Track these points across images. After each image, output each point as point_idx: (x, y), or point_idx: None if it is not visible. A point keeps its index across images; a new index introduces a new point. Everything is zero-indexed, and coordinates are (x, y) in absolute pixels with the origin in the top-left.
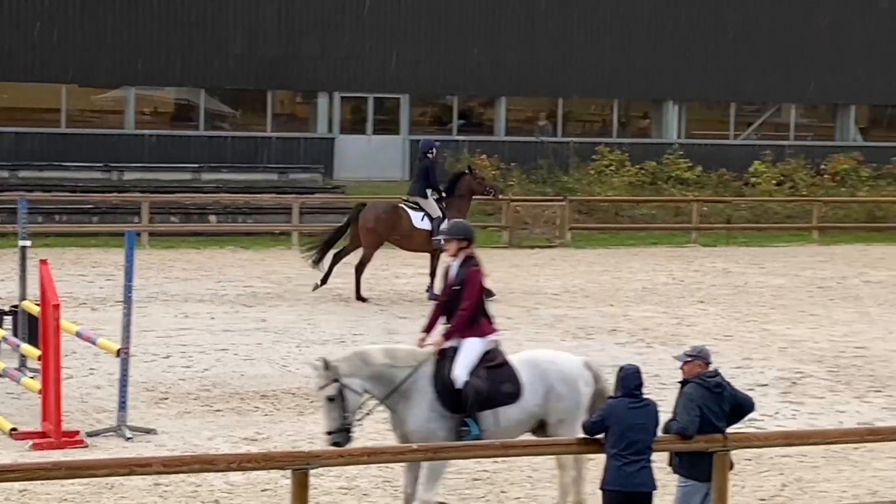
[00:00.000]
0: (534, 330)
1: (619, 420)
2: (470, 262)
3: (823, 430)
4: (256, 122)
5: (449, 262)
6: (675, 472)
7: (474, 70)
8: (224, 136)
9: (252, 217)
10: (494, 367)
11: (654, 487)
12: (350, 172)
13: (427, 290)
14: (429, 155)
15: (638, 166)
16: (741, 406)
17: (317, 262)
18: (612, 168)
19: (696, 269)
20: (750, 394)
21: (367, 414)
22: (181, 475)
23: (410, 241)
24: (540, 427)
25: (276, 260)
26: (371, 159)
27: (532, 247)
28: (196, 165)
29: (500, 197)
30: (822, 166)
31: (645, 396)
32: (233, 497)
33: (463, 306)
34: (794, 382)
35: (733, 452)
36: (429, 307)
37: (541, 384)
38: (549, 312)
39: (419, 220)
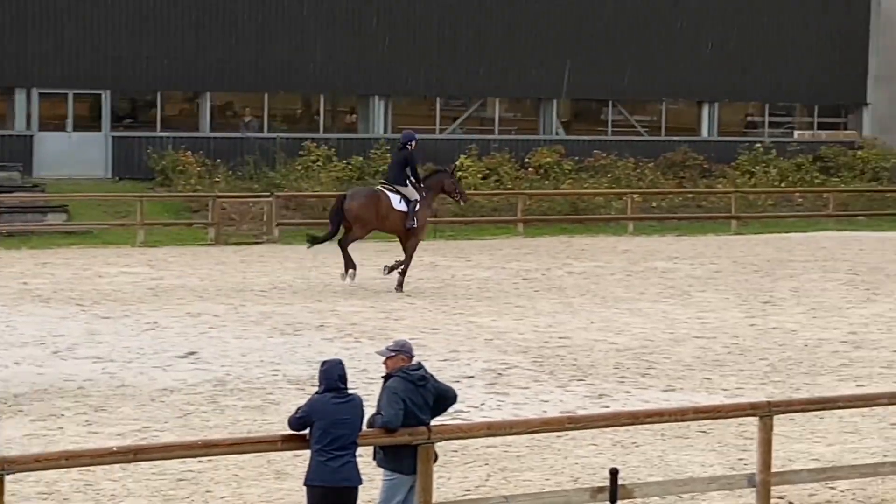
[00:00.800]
0: (241, 327)
1: (323, 415)
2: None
3: (526, 419)
4: None
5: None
6: (380, 465)
7: (179, 65)
8: None
9: None
10: None
11: (360, 482)
12: (50, 170)
13: (385, 268)
14: (408, 146)
15: (345, 161)
16: (444, 397)
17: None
18: (319, 163)
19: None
20: (456, 386)
21: None
22: None
23: (386, 221)
24: None
25: None
26: (72, 157)
27: (239, 243)
28: None
29: (462, 203)
30: (527, 160)
31: (350, 391)
32: None
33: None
34: (500, 373)
35: (438, 444)
36: None
37: None
38: (256, 309)
39: (397, 202)
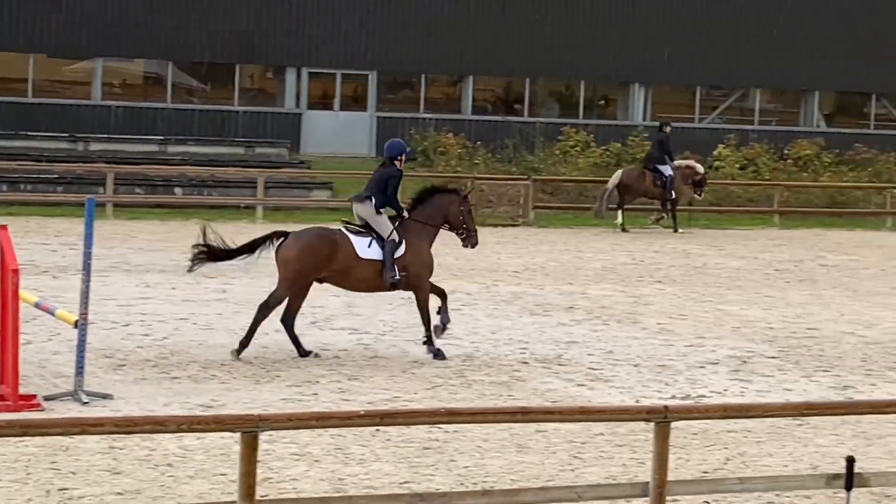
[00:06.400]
0: (492, 306)
1: None
2: None
3: (763, 403)
4: (224, 96)
5: None
6: None
7: (442, 50)
8: (191, 109)
9: (217, 190)
10: None
11: None
12: (317, 148)
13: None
14: (396, 161)
15: (603, 147)
16: None
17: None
18: (577, 149)
19: (656, 249)
20: (700, 371)
21: None
22: (136, 439)
23: (347, 277)
24: None
25: (240, 233)
26: (338, 135)
27: (496, 225)
28: (162, 138)
29: (468, 247)
30: (786, 151)
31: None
32: (186, 460)
33: None
34: (745, 361)
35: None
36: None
37: None
38: (507, 289)
39: (364, 248)
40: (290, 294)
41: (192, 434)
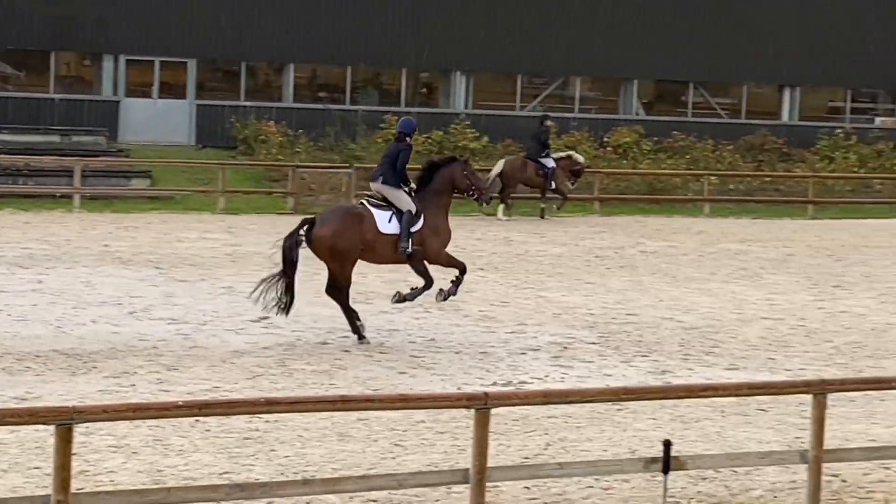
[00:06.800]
0: (315, 294)
1: None
2: None
3: (582, 389)
4: (40, 84)
5: None
6: None
7: (262, 37)
8: (4, 97)
9: (33, 179)
10: None
11: None
12: (135, 136)
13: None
14: (408, 138)
15: (425, 136)
16: None
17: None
18: None
19: (478, 237)
20: (522, 358)
21: None
22: None
23: (372, 251)
24: None
25: (55, 223)
26: (157, 123)
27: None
28: None
29: (482, 204)
30: (606, 139)
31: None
32: (0, 454)
33: None
34: (565, 347)
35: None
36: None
37: None
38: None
39: (385, 223)
40: (348, 273)
41: (5, 427)
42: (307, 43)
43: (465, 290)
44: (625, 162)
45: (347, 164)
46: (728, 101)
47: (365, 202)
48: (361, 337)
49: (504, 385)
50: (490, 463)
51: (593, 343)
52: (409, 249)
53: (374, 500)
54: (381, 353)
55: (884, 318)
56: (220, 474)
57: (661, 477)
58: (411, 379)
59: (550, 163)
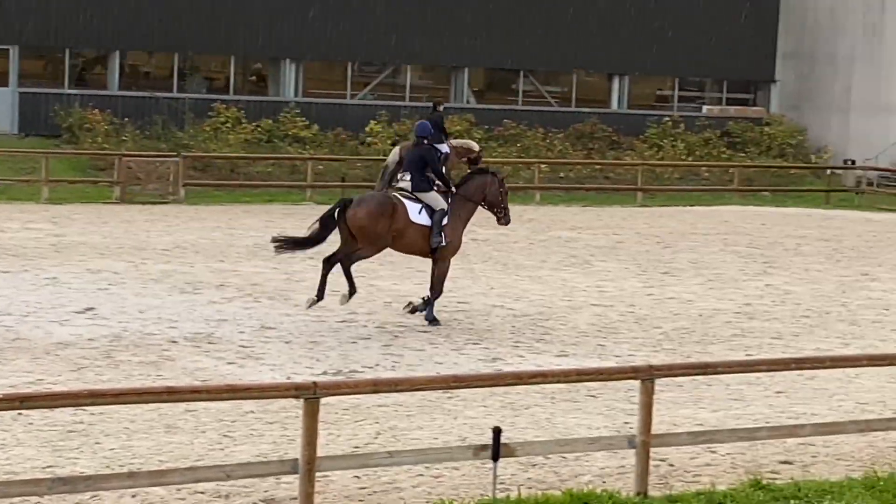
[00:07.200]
0: (140, 285)
1: None
2: None
3: (411, 377)
4: None
5: None
6: None
7: (87, 22)
8: None
9: None
10: None
11: None
12: None
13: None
14: (426, 140)
15: (255, 124)
16: None
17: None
18: (228, 125)
19: (309, 226)
20: (353, 347)
21: None
22: None
23: (401, 239)
24: None
25: None
26: None
27: (145, 202)
28: None
29: (502, 224)
30: None
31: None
32: None
33: None
34: (396, 335)
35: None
36: None
37: None
38: (157, 268)
39: (416, 213)
40: (371, 255)
41: None
42: (133, 30)
43: (295, 279)
44: None
45: (175, 153)
46: (558, 89)
47: (397, 194)
48: (349, 293)
49: (334, 374)
50: (320, 453)
51: (424, 331)
52: (443, 242)
53: (202, 492)
54: (209, 343)
55: (711, 304)
56: (44, 468)
57: (491, 464)
58: (240, 369)
59: (445, 148)
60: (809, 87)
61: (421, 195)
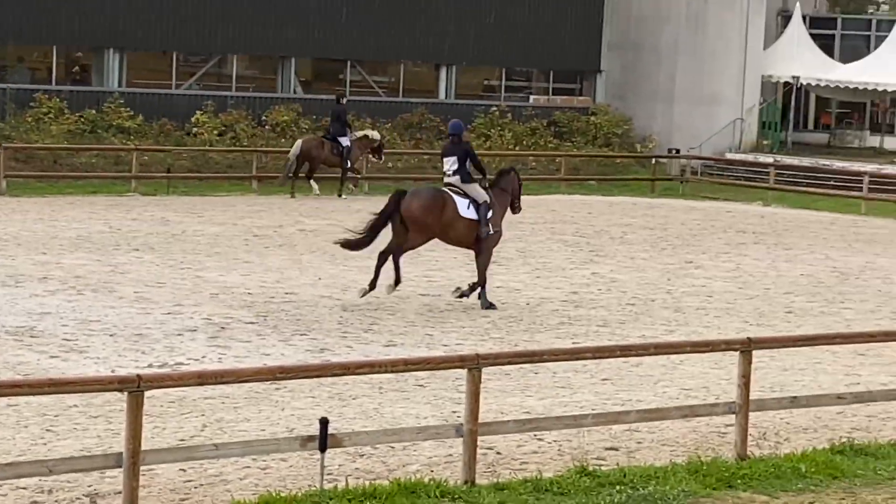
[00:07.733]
0: None
1: None
2: None
3: (237, 368)
4: None
5: None
6: None
7: None
8: None
9: None
10: None
11: None
12: None
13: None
14: (461, 137)
15: (78, 114)
16: None
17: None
18: (50, 115)
19: (134, 217)
20: (178, 339)
21: None
22: None
23: (450, 231)
24: None
25: None
26: None
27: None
28: None
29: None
30: (264, 118)
31: None
32: None
33: None
34: (223, 327)
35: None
36: None
37: None
38: None
39: (465, 208)
40: (420, 244)
41: None
42: None
43: (119, 271)
44: (283, 140)
45: None
46: (386, 79)
47: (446, 189)
48: (395, 283)
49: (160, 367)
50: (145, 446)
51: (251, 322)
52: (491, 231)
53: (24, 488)
54: (31, 336)
55: (538, 293)
56: None
57: (318, 455)
58: (63, 363)
59: (346, 141)
60: (635, 77)
61: (466, 187)
